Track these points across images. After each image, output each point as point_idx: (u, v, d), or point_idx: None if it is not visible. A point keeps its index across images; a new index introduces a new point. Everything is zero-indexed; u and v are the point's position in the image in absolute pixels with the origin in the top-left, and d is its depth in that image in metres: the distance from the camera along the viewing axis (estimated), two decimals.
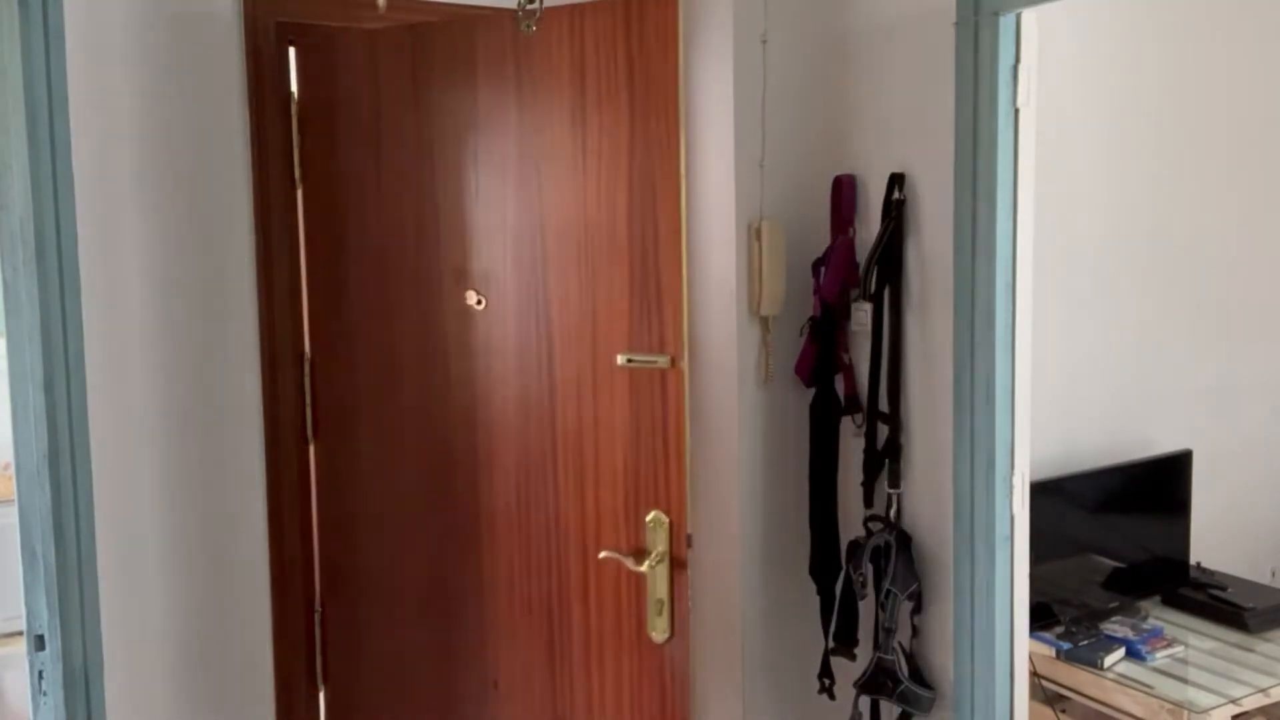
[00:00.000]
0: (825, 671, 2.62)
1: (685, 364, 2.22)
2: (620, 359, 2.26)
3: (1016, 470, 2.29)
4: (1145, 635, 2.97)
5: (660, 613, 2.27)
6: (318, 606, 2.54)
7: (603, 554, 2.29)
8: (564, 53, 2.26)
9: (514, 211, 2.37)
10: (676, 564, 2.25)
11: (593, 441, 2.31)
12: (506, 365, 2.37)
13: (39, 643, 2.12)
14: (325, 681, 2.56)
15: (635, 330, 2.25)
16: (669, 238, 2.23)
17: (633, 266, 2.25)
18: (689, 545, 2.25)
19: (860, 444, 2.58)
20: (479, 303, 2.38)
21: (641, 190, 2.23)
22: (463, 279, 2.41)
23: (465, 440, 2.43)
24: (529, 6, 2.24)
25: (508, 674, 2.44)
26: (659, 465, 2.25)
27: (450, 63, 2.36)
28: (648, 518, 2.25)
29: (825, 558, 2.62)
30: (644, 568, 2.24)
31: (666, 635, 2.26)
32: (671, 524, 2.22)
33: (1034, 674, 2.84)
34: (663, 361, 2.23)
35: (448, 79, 2.38)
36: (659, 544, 2.24)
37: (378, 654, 2.60)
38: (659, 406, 2.24)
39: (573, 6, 2.26)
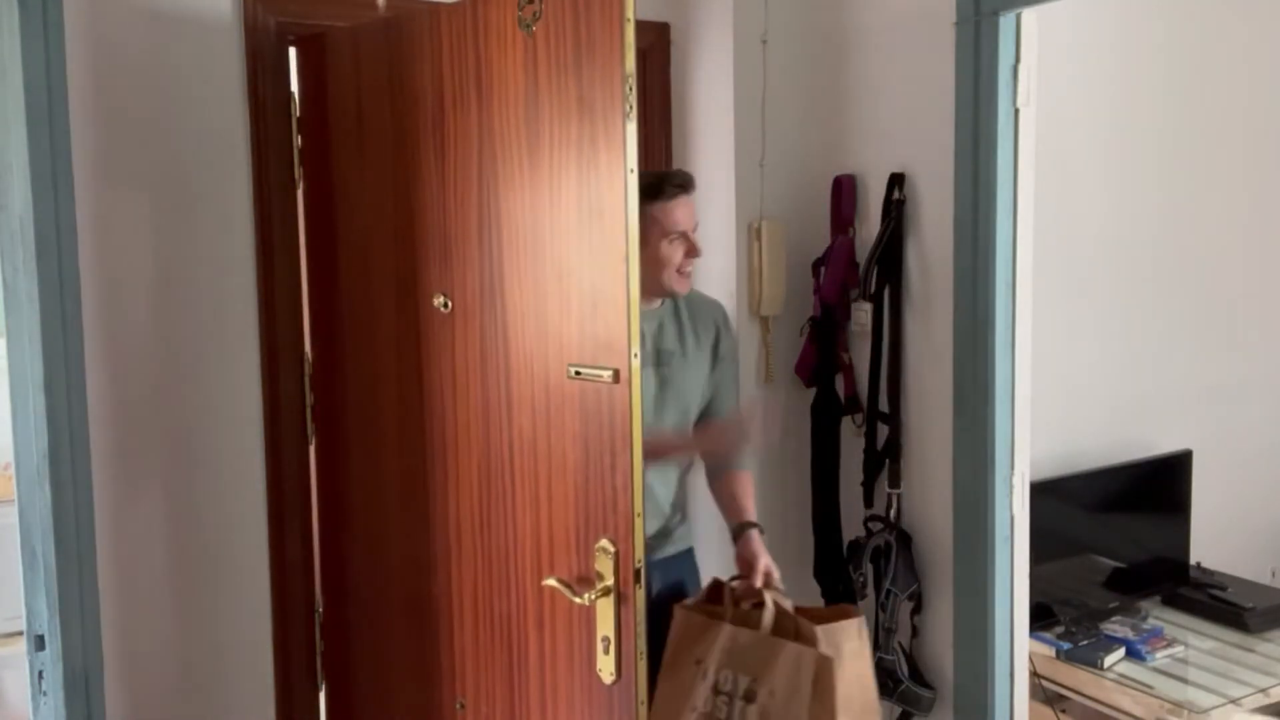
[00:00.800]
0: None
1: (633, 379, 1.87)
2: (570, 370, 1.97)
3: (1016, 470, 2.29)
4: (1145, 635, 2.96)
5: (607, 651, 1.93)
6: (318, 608, 2.53)
7: (547, 581, 2.01)
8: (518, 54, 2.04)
9: (476, 212, 2.17)
10: (621, 599, 1.89)
11: (546, 454, 2.05)
12: (469, 371, 2.19)
13: (39, 643, 2.12)
14: (325, 682, 2.56)
15: (584, 337, 1.96)
16: (614, 246, 1.89)
17: (580, 271, 1.96)
18: (637, 580, 1.89)
19: (860, 444, 2.58)
20: (445, 305, 2.22)
21: (591, 196, 1.93)
22: (433, 281, 2.24)
23: (436, 444, 2.27)
24: (529, 6, 2.24)
25: (473, 696, 2.24)
26: (606, 486, 1.93)
27: (417, 59, 2.22)
28: (596, 545, 1.92)
29: (829, 559, 2.62)
30: (583, 600, 1.92)
31: (614, 677, 1.93)
32: (618, 553, 1.87)
33: (1034, 674, 2.84)
34: (606, 375, 1.90)
35: (417, 75, 2.23)
36: (605, 576, 1.90)
37: (377, 655, 2.59)
38: (605, 422, 1.92)
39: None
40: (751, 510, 2.25)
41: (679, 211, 2.15)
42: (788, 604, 2.11)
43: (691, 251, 2.17)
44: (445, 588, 2.27)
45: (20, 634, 2.20)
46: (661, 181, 2.15)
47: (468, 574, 2.23)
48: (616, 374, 1.89)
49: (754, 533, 2.19)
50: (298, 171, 2.43)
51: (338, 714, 2.57)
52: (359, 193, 2.40)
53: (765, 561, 2.14)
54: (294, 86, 2.45)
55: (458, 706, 2.26)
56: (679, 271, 2.17)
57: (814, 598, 2.64)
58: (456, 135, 2.16)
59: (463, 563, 2.24)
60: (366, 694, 2.57)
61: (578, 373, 1.97)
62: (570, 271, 1.97)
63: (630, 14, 1.81)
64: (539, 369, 2.05)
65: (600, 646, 1.94)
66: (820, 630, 2.02)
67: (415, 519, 2.31)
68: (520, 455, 2.11)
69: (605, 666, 1.93)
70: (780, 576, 2.14)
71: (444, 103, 2.17)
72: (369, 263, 2.38)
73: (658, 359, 2.24)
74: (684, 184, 2.17)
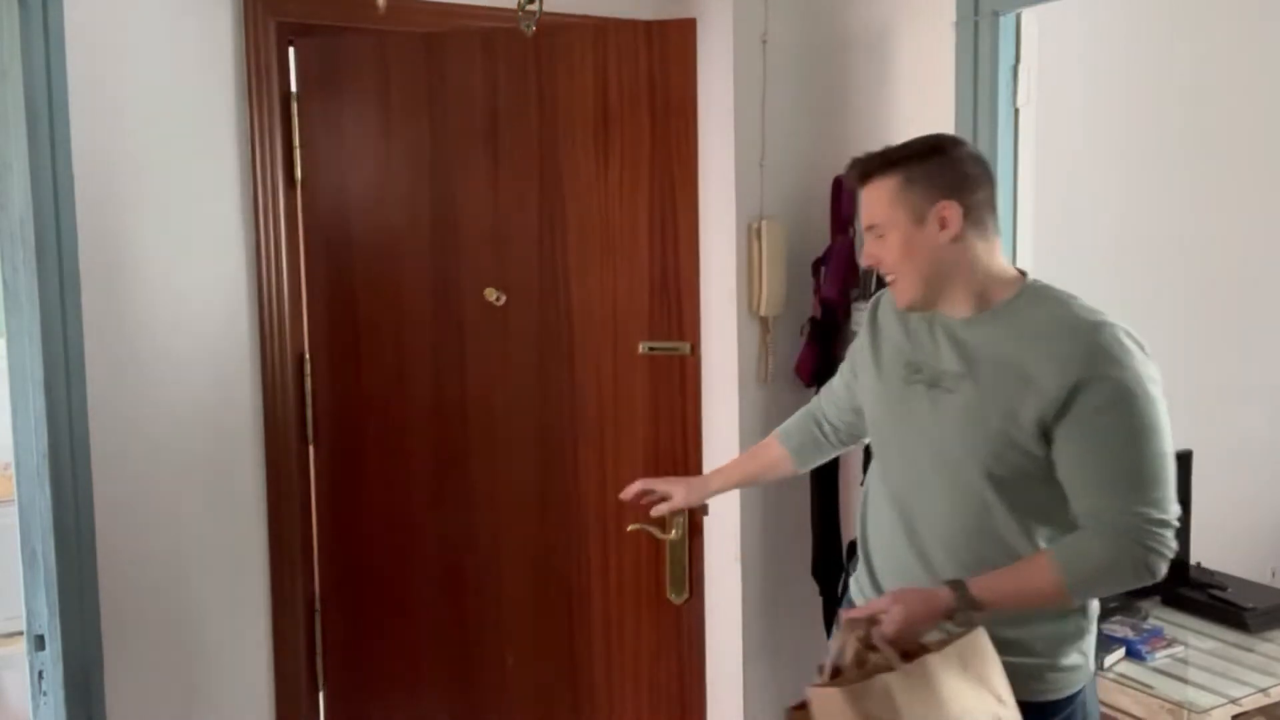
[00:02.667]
0: None
1: (702, 352, 2.56)
2: (642, 347, 2.56)
3: None
4: (1145, 635, 2.96)
5: (681, 576, 2.57)
6: (317, 606, 2.54)
7: (632, 526, 2.48)
8: (587, 66, 2.49)
9: (536, 212, 2.54)
10: (695, 530, 2.56)
11: (613, 423, 2.57)
12: (526, 357, 2.55)
13: (39, 643, 2.11)
14: (325, 681, 2.56)
15: (655, 321, 2.56)
16: (687, 236, 2.58)
17: (652, 263, 2.56)
18: (705, 512, 2.50)
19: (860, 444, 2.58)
20: (498, 299, 2.50)
21: (661, 193, 2.56)
22: (482, 277, 2.53)
23: (482, 428, 2.57)
24: (529, 7, 2.25)
25: (521, 650, 2.63)
26: (676, 442, 2.56)
27: (465, 73, 2.50)
28: None
29: (827, 558, 2.62)
30: (671, 535, 2.52)
31: (685, 596, 2.58)
32: None
33: None
34: (683, 348, 2.56)
35: (462, 88, 2.50)
36: (679, 514, 2.46)
37: (378, 654, 2.60)
38: (677, 389, 2.56)
39: (596, 24, 2.49)
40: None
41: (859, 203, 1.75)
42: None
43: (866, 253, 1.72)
44: (490, 557, 2.62)
45: (20, 634, 2.20)
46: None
47: (518, 539, 2.61)
48: (692, 348, 2.54)
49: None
50: (299, 171, 2.43)
51: (338, 713, 2.57)
52: (381, 194, 2.52)
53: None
54: (293, 87, 2.45)
55: (508, 663, 2.63)
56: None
57: (812, 597, 2.64)
58: (512, 143, 2.53)
59: (512, 531, 2.61)
60: (370, 691, 2.57)
61: (651, 348, 2.55)
62: (641, 261, 2.57)
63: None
64: (606, 349, 2.55)
65: (674, 572, 2.56)
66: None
67: (453, 501, 2.60)
68: (584, 427, 2.57)
69: (678, 589, 2.58)
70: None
71: (496, 114, 2.53)
72: (398, 262, 2.54)
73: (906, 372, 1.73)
74: (851, 172, 1.73)
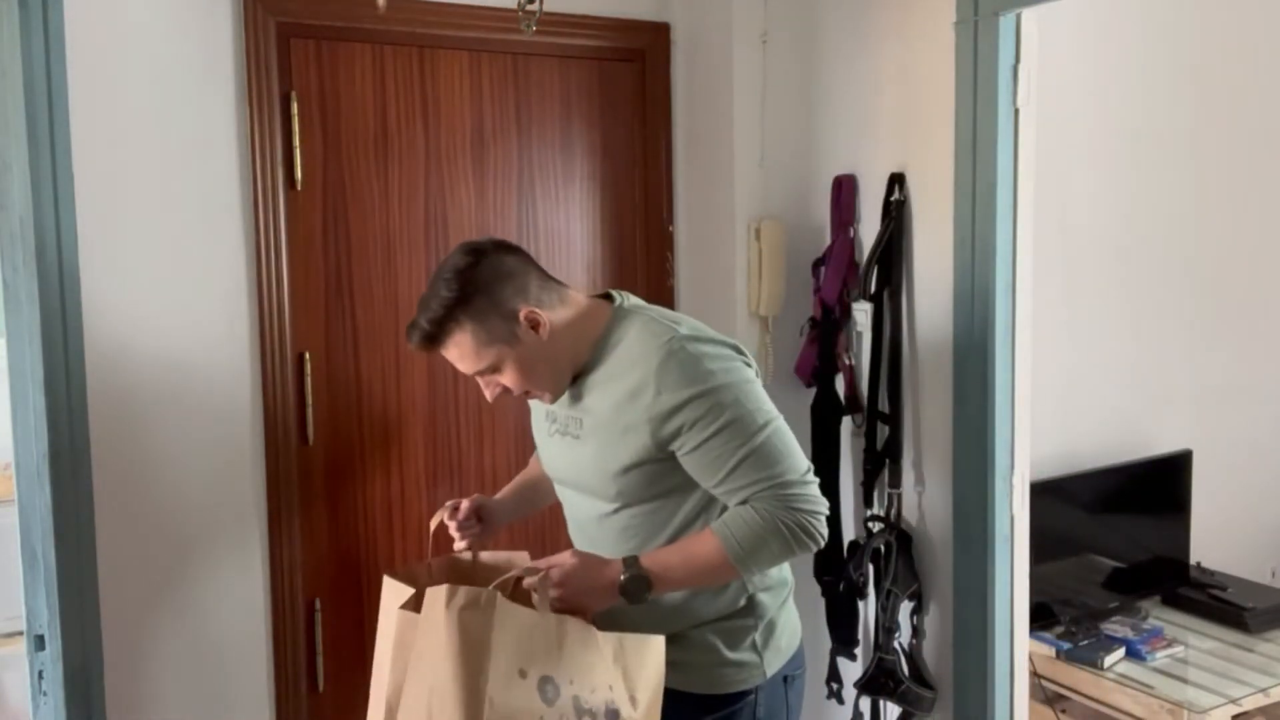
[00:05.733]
0: (833, 675, 2.62)
1: None
2: None
3: (1016, 470, 2.29)
4: (1145, 635, 2.96)
5: None
6: (317, 606, 2.54)
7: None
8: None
9: (515, 217, 2.61)
10: None
11: None
12: None
13: (39, 643, 2.12)
14: (324, 681, 2.56)
15: None
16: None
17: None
18: None
19: (860, 444, 2.58)
20: None
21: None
22: None
23: (471, 411, 2.64)
24: (529, 7, 2.25)
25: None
26: None
27: (456, 86, 2.61)
28: None
29: (828, 558, 2.62)
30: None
31: None
32: None
33: (1034, 674, 2.84)
34: None
35: (454, 97, 2.60)
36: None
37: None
38: None
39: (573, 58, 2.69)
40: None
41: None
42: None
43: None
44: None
45: (20, 634, 2.20)
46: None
47: (517, 539, 2.66)
48: None
49: None
50: (299, 171, 2.43)
51: (337, 713, 2.57)
52: (379, 195, 2.56)
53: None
54: (294, 86, 2.45)
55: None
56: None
57: (815, 598, 2.64)
58: (497, 156, 2.65)
59: (512, 530, 2.64)
60: (369, 691, 2.58)
61: None
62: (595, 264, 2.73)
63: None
64: None
65: None
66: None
67: (445, 478, 2.65)
68: None
69: None
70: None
71: (484, 128, 2.63)
72: (391, 259, 2.57)
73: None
74: (418, 343, 1.65)
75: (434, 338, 1.62)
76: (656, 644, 1.58)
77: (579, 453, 1.71)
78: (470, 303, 1.60)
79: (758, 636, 1.72)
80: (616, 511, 1.69)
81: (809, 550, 1.63)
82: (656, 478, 1.65)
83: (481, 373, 1.66)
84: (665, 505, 1.67)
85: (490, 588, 1.51)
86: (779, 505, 1.59)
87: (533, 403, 1.84)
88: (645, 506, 1.68)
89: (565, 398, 1.71)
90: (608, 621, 1.60)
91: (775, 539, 1.59)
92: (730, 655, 1.69)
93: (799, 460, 1.63)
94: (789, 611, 1.80)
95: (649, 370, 1.59)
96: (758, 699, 1.71)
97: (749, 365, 1.67)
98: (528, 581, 1.56)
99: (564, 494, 1.84)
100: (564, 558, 1.60)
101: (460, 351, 1.63)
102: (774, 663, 1.73)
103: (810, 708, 2.71)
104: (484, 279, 1.61)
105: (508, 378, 1.66)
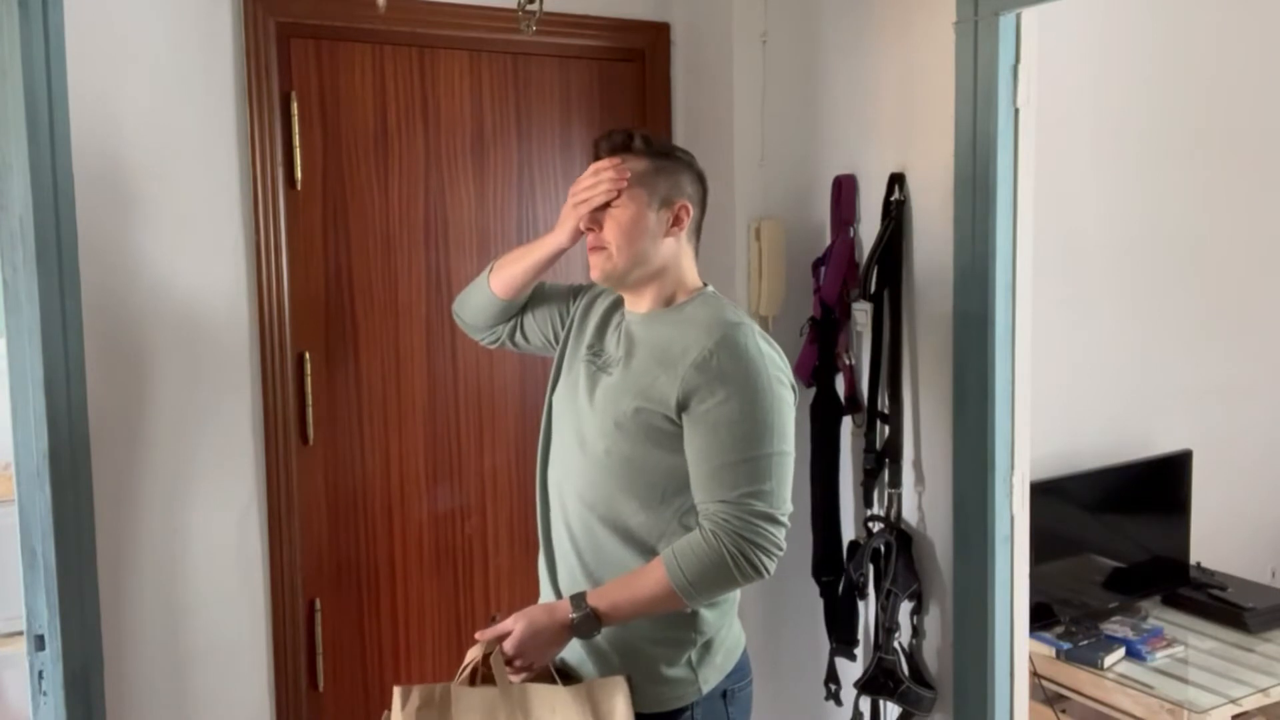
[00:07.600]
0: (831, 676, 2.62)
1: None
2: None
3: (1016, 470, 2.29)
4: (1145, 635, 2.96)
5: None
6: (317, 606, 2.54)
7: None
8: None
9: (515, 216, 2.64)
10: None
11: None
12: (523, 356, 2.59)
13: (39, 643, 2.12)
14: (324, 681, 2.56)
15: None
16: None
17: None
18: None
19: (860, 444, 2.58)
20: None
21: None
22: (469, 272, 2.49)
23: (471, 408, 2.66)
24: (529, 7, 2.25)
25: (508, 606, 2.68)
26: None
27: (456, 89, 2.62)
28: None
29: (828, 558, 2.62)
30: None
31: None
32: None
33: (1034, 674, 2.84)
34: None
35: (454, 97, 2.62)
36: None
37: (378, 654, 2.60)
38: None
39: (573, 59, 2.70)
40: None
41: None
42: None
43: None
44: (479, 526, 2.72)
45: (20, 634, 2.20)
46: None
47: (504, 508, 2.73)
48: None
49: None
50: (299, 171, 2.43)
51: (337, 713, 2.57)
52: (379, 195, 2.57)
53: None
54: (294, 86, 2.45)
55: (492, 618, 2.54)
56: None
57: (814, 598, 2.64)
58: (497, 156, 2.66)
59: (512, 530, 2.73)
60: (369, 690, 2.58)
61: None
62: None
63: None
64: None
65: None
66: None
67: (452, 499, 2.69)
68: None
69: None
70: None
71: (484, 128, 2.64)
72: (391, 260, 2.59)
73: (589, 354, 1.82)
74: (613, 137, 1.77)
75: (628, 147, 1.74)
76: (620, 684, 1.62)
77: (600, 386, 1.73)
78: (673, 163, 1.75)
79: (694, 653, 1.71)
80: (604, 454, 1.69)
81: (752, 582, 1.62)
82: (655, 438, 1.66)
83: (611, 205, 1.72)
84: (643, 473, 1.67)
85: (447, 683, 1.59)
86: (741, 527, 1.59)
87: (571, 344, 1.85)
88: (628, 456, 1.67)
89: (626, 330, 1.76)
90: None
91: (722, 573, 1.59)
92: (666, 672, 1.70)
93: (785, 498, 1.64)
94: (731, 627, 1.79)
95: (713, 338, 1.64)
96: (694, 715, 1.71)
97: (794, 394, 1.71)
98: (492, 658, 1.60)
99: (555, 450, 1.80)
100: (508, 625, 1.63)
101: (624, 173, 1.71)
102: (710, 679, 1.73)
103: (810, 708, 2.72)
104: (694, 171, 1.78)
105: (619, 221, 1.71)
